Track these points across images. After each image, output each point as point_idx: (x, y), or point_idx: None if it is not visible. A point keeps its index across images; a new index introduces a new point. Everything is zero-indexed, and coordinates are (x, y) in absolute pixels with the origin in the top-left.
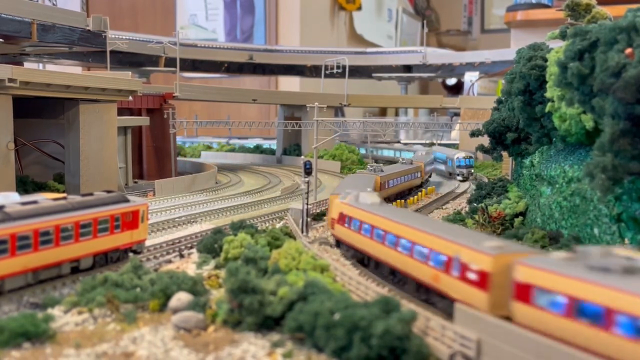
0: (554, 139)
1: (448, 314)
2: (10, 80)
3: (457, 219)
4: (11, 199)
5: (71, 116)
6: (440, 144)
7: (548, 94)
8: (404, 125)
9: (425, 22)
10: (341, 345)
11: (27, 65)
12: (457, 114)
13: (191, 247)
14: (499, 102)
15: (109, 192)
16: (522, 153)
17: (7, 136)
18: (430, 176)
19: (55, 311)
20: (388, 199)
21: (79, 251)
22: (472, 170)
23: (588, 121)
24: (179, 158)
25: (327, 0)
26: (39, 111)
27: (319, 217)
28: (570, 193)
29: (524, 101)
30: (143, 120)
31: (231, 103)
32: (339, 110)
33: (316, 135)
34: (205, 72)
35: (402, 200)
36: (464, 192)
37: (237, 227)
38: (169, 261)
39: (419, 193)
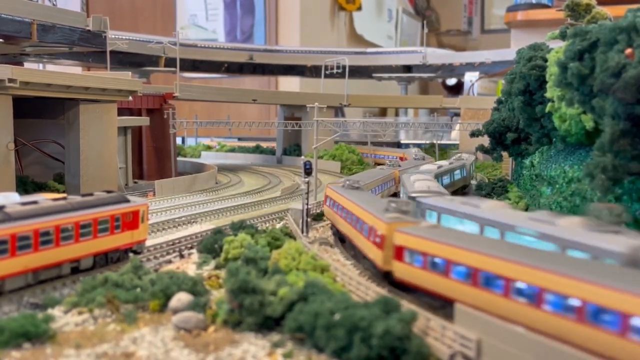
0: (554, 139)
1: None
2: (11, 80)
3: None
4: (11, 199)
5: (71, 116)
6: (440, 144)
7: (548, 94)
8: (404, 125)
9: (425, 22)
10: (341, 346)
11: (27, 65)
12: (457, 114)
13: (191, 248)
14: (499, 102)
15: (109, 192)
16: (522, 153)
17: (7, 136)
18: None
19: (56, 311)
20: None
21: (79, 251)
22: None
23: (588, 121)
24: (179, 158)
25: (327, 0)
26: (39, 111)
27: (319, 217)
28: (571, 193)
29: (524, 101)
30: (143, 121)
31: (231, 103)
32: (339, 111)
33: (316, 135)
34: (206, 72)
35: None
36: (465, 193)
37: (238, 227)
38: (169, 261)
39: None
